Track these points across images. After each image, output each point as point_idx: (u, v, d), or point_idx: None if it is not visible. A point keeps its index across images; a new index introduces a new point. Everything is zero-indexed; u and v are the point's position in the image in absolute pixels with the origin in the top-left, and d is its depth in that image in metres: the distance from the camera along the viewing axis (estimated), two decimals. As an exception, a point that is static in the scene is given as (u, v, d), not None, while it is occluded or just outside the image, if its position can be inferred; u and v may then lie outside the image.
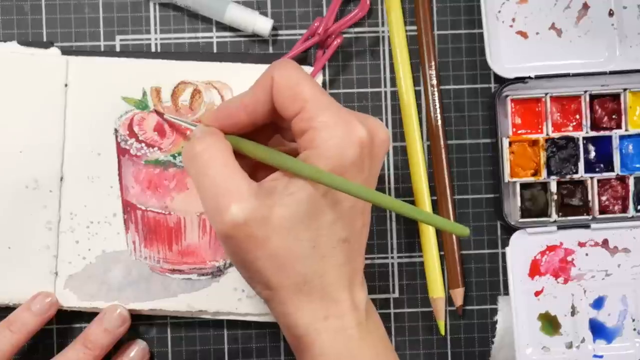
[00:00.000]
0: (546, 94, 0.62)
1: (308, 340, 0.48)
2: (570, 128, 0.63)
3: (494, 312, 0.64)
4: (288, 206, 0.46)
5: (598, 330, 0.63)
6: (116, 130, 0.61)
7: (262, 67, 0.61)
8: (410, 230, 0.64)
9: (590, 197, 0.63)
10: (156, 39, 0.62)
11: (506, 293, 0.64)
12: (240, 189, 0.46)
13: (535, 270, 0.63)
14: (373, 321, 0.50)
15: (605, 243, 0.63)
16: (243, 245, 0.46)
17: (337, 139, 0.46)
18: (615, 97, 0.63)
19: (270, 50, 0.62)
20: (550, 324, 0.63)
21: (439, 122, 0.63)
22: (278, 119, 0.49)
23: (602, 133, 0.63)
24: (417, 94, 0.63)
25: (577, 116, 0.63)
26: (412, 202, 0.62)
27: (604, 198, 0.63)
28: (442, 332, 0.64)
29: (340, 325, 0.48)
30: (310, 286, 0.47)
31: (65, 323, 0.62)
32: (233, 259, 0.48)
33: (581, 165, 0.62)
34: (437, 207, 0.63)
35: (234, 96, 0.51)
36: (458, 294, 0.63)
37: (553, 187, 0.62)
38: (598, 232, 0.63)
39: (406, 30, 0.63)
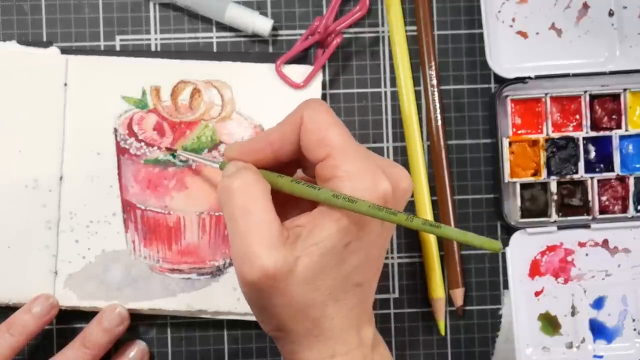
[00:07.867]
0: (546, 94, 0.62)
1: None
2: (570, 128, 0.63)
3: (495, 312, 0.64)
4: (312, 257, 0.45)
5: (598, 330, 0.63)
6: (116, 130, 0.61)
7: (262, 67, 0.61)
8: (410, 231, 0.63)
9: (590, 197, 0.63)
10: (156, 39, 0.62)
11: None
12: (274, 239, 0.45)
13: (535, 270, 0.63)
14: (379, 353, 0.50)
15: (605, 243, 0.63)
16: (265, 294, 0.46)
17: (361, 192, 0.45)
18: (615, 97, 0.63)
19: (270, 50, 0.62)
20: (550, 324, 0.63)
21: (439, 122, 0.63)
22: (303, 157, 0.48)
23: (602, 133, 0.63)
24: (417, 94, 0.63)
25: (577, 116, 0.63)
26: (412, 203, 0.63)
27: (604, 198, 0.63)
28: (442, 333, 0.63)
29: None
30: (320, 328, 0.47)
31: (65, 323, 0.62)
32: (250, 302, 0.48)
33: (581, 165, 0.62)
34: (437, 207, 0.63)
35: (261, 132, 0.49)
36: (458, 294, 0.63)
37: (553, 187, 0.62)
38: (598, 232, 0.63)
39: (406, 30, 0.63)
